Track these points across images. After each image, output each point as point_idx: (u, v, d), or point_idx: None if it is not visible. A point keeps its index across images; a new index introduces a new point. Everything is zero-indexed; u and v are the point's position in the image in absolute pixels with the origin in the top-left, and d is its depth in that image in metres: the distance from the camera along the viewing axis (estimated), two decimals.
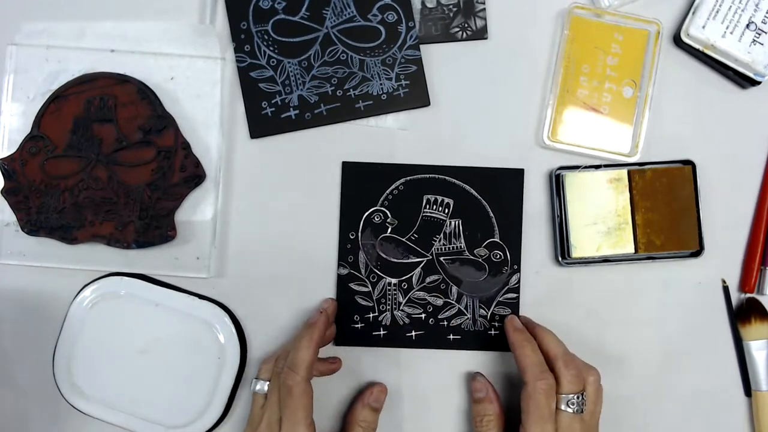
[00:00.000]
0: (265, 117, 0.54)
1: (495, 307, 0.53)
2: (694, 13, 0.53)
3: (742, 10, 0.53)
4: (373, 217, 0.53)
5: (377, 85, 0.54)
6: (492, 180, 0.54)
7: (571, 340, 0.50)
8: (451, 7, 0.55)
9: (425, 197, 0.53)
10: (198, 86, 0.54)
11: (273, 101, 0.54)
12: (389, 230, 0.53)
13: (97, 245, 0.54)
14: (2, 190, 0.53)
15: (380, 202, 0.53)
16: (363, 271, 0.53)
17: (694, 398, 0.54)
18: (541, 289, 0.54)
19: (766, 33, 0.52)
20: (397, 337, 0.54)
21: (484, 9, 0.55)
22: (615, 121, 0.54)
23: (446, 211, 0.53)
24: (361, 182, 0.54)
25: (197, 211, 0.54)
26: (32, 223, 0.53)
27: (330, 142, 0.55)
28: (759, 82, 0.53)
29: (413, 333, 0.53)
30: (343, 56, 0.54)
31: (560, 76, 0.54)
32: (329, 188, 0.54)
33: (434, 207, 0.53)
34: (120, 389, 0.53)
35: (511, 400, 0.53)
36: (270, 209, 0.55)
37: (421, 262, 0.53)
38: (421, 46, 0.55)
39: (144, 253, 0.54)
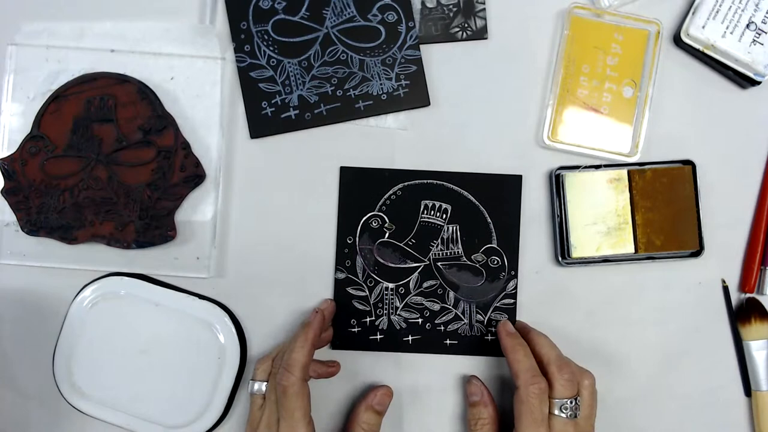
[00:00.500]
0: (265, 117, 0.54)
1: (492, 312, 0.53)
2: (694, 13, 0.53)
3: (742, 10, 0.53)
4: (371, 222, 0.53)
5: (377, 85, 0.54)
6: (490, 186, 0.54)
7: (571, 341, 0.50)
8: (451, 7, 0.55)
9: (423, 203, 0.53)
10: (198, 86, 0.54)
11: (273, 101, 0.54)
12: (387, 235, 0.53)
13: (97, 245, 0.54)
14: (2, 190, 0.53)
15: (378, 207, 0.54)
16: (360, 275, 0.53)
17: (694, 398, 0.54)
18: (541, 289, 0.54)
19: (766, 33, 0.52)
20: (393, 342, 0.54)
21: (484, 9, 0.55)
22: (615, 121, 0.54)
23: (444, 216, 0.53)
24: (359, 187, 0.54)
25: (197, 211, 0.54)
26: (32, 223, 0.53)
27: (330, 142, 0.55)
28: (759, 82, 0.53)
29: (410, 337, 0.53)
30: (343, 56, 0.54)
31: (560, 76, 0.54)
32: (329, 188, 0.54)
33: (432, 212, 0.53)
34: (120, 389, 0.53)
35: (507, 403, 0.53)
36: (270, 209, 0.55)
37: (419, 267, 0.53)
38: (421, 46, 0.55)
39: (144, 253, 0.54)
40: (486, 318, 0.53)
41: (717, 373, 0.54)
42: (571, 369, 0.47)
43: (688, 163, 0.54)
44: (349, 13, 0.54)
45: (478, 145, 0.55)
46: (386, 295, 0.53)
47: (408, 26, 0.54)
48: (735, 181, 0.55)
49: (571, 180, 0.53)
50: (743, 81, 0.54)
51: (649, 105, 0.54)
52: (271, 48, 0.54)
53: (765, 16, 0.52)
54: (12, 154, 0.53)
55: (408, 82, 0.54)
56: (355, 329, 0.53)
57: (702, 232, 0.53)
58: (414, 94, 0.54)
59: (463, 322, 0.53)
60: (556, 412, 0.45)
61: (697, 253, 0.54)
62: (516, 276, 0.53)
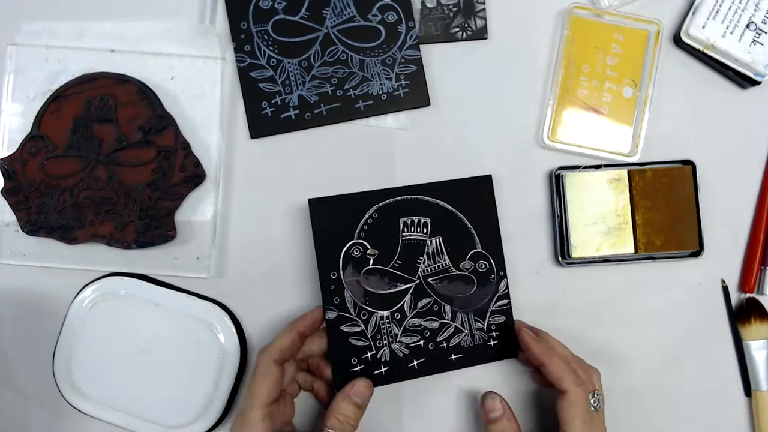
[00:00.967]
0: (265, 117, 0.54)
1: (489, 317, 0.53)
2: (694, 13, 0.53)
3: (742, 10, 0.53)
4: (352, 252, 0.51)
5: (377, 85, 0.54)
6: (462, 191, 0.53)
7: (571, 341, 0.50)
8: (451, 7, 0.55)
9: (402, 220, 0.52)
10: (198, 86, 0.54)
11: (273, 101, 0.54)
12: (371, 262, 0.52)
13: (97, 245, 0.54)
14: (2, 190, 0.53)
15: (356, 234, 0.52)
16: (352, 310, 0.51)
17: (694, 398, 0.54)
18: (541, 289, 0.54)
19: (766, 33, 0.52)
20: (399, 371, 0.52)
21: (484, 9, 0.55)
22: (615, 121, 0.54)
23: (425, 230, 0.52)
24: (332, 218, 0.51)
25: (197, 211, 0.54)
26: (32, 223, 0.53)
27: (330, 142, 0.55)
28: (759, 82, 0.53)
29: (415, 362, 0.52)
30: (343, 56, 0.54)
31: (560, 76, 0.54)
32: (329, 188, 0.54)
33: (412, 228, 0.52)
34: (120, 389, 0.53)
35: (521, 411, 0.54)
36: (270, 209, 0.55)
37: (410, 287, 0.52)
38: (421, 46, 0.55)
39: (144, 253, 0.54)
40: (485, 324, 0.53)
41: (717, 373, 0.54)
42: (586, 365, 0.48)
43: (688, 163, 0.54)
44: (349, 13, 0.54)
45: (478, 145, 0.55)
46: (383, 324, 0.52)
47: (408, 26, 0.54)
48: (735, 181, 0.55)
49: (571, 180, 0.53)
50: (743, 81, 0.54)
51: (649, 105, 0.54)
52: (271, 48, 0.54)
53: (765, 16, 0.52)
54: (12, 154, 0.53)
55: (408, 82, 0.54)
56: (358, 368, 0.51)
57: (702, 232, 0.53)
58: (414, 94, 0.54)
59: (464, 334, 0.52)
60: (591, 407, 0.46)
61: (697, 253, 0.54)
62: (505, 276, 0.53)
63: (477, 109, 0.55)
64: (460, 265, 0.52)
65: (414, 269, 0.52)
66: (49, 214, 0.53)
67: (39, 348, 0.54)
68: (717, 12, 0.53)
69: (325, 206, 0.51)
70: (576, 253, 0.53)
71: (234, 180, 0.55)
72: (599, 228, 0.53)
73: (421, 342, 0.52)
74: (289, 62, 0.54)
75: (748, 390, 0.54)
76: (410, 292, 0.52)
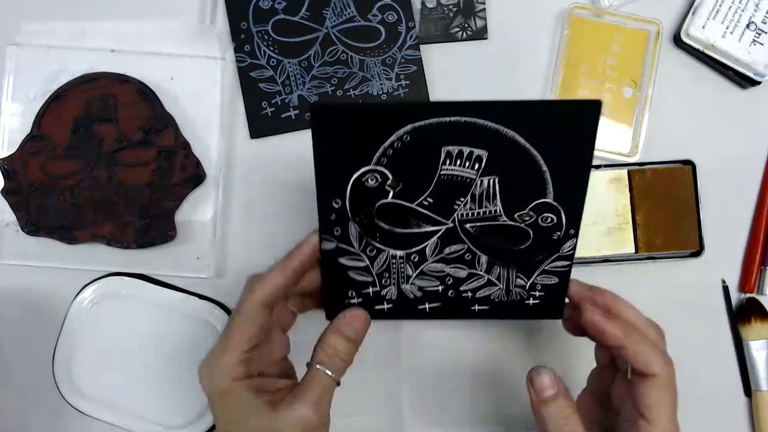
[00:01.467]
0: (265, 117, 0.54)
1: (538, 276, 0.42)
2: (694, 13, 0.53)
3: (742, 10, 0.53)
4: (366, 180, 0.39)
5: (377, 85, 0.54)
6: (549, 121, 0.38)
7: (572, 341, 0.50)
8: (451, 7, 0.55)
9: (445, 150, 0.38)
10: (198, 86, 0.54)
11: (273, 101, 0.54)
12: (390, 195, 0.39)
13: (97, 245, 0.54)
14: (2, 190, 0.53)
15: (375, 159, 0.38)
16: (356, 244, 0.41)
17: (694, 398, 0.54)
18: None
19: (766, 33, 0.52)
20: (405, 311, 0.43)
21: (484, 9, 0.55)
22: (615, 121, 0.54)
23: (476, 166, 0.39)
24: (342, 134, 0.38)
25: (197, 211, 0.54)
26: (32, 223, 0.53)
27: None
28: (759, 82, 0.53)
29: (427, 305, 0.43)
30: (343, 56, 0.54)
31: (560, 76, 0.54)
32: None
33: (458, 162, 0.38)
34: (120, 389, 0.53)
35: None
36: (270, 209, 0.55)
37: (439, 231, 0.40)
38: (421, 46, 0.55)
39: (144, 253, 0.54)
40: (529, 282, 0.42)
41: (717, 373, 0.54)
42: (656, 325, 0.42)
43: (688, 163, 0.54)
44: (349, 13, 0.54)
45: None
46: (393, 263, 0.42)
47: (408, 26, 0.54)
48: (735, 181, 0.55)
49: None
50: (743, 81, 0.54)
51: (649, 105, 0.54)
52: (271, 48, 0.54)
53: (765, 16, 0.52)
54: (12, 154, 0.53)
55: (408, 82, 0.54)
56: (355, 300, 0.42)
57: (702, 232, 0.53)
58: (414, 94, 0.54)
59: (497, 288, 0.43)
60: None
61: (697, 253, 0.53)
62: (576, 234, 0.41)
63: None
64: (516, 216, 0.40)
65: (449, 211, 0.40)
66: (49, 214, 0.53)
67: (39, 348, 0.54)
68: (717, 12, 0.53)
69: (334, 118, 0.38)
70: (576, 253, 0.53)
71: (234, 180, 0.55)
72: (599, 228, 0.53)
73: (440, 288, 0.42)
74: (289, 62, 0.54)
75: (748, 390, 0.54)
76: (438, 234, 0.41)
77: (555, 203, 0.40)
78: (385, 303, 0.43)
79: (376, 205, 0.40)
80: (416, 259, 0.41)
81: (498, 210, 0.40)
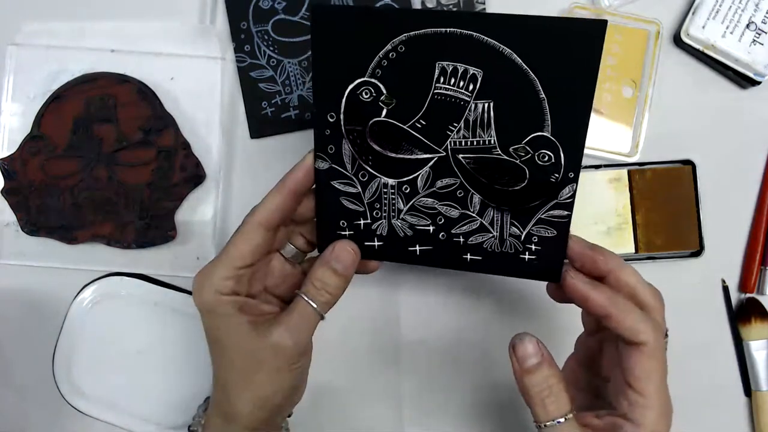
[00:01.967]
0: (265, 117, 0.54)
1: (533, 225, 0.40)
2: (694, 13, 0.53)
3: (742, 10, 0.53)
4: (360, 93, 0.38)
5: None
6: (550, 39, 0.35)
7: (572, 341, 0.50)
8: (451, 7, 0.55)
9: (439, 65, 0.37)
10: (198, 86, 0.54)
11: (273, 101, 0.54)
12: (384, 113, 0.39)
13: (97, 245, 0.54)
14: (2, 190, 0.53)
15: (370, 70, 0.38)
16: (349, 166, 0.40)
17: (694, 398, 0.54)
18: (541, 289, 0.54)
19: (766, 33, 0.52)
20: (395, 251, 0.42)
21: (484, 9, 0.55)
22: (615, 121, 0.54)
23: (471, 87, 0.37)
24: (342, 39, 0.37)
25: (197, 211, 0.54)
26: (32, 223, 0.53)
27: None
28: (759, 82, 0.53)
29: (417, 247, 0.41)
30: None
31: None
32: None
33: (452, 80, 0.37)
34: (120, 389, 0.53)
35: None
36: None
37: (431, 159, 0.39)
38: None
39: (144, 253, 0.54)
40: (524, 232, 0.40)
41: (717, 373, 0.54)
42: (654, 290, 0.40)
43: (688, 163, 0.54)
44: None
45: None
46: (385, 194, 0.41)
47: None
48: (735, 181, 0.55)
49: None
50: (743, 81, 0.54)
51: (649, 105, 0.54)
52: (271, 48, 0.54)
53: (765, 16, 0.52)
54: (12, 154, 0.53)
55: None
56: (346, 232, 0.42)
57: (702, 232, 0.53)
58: None
59: (490, 235, 0.40)
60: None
61: (697, 253, 0.54)
62: (576, 179, 0.38)
63: None
64: (511, 149, 0.38)
65: (442, 137, 0.39)
66: (49, 214, 0.53)
67: (39, 348, 0.54)
68: (717, 12, 0.53)
69: (335, 19, 0.37)
70: None
71: (234, 180, 0.55)
72: (599, 228, 0.53)
73: (431, 228, 0.41)
74: (289, 62, 0.54)
75: (748, 390, 0.54)
76: (430, 164, 0.39)
77: (553, 138, 0.38)
78: (376, 239, 0.42)
79: (369, 123, 0.39)
80: (407, 191, 0.40)
81: (492, 140, 0.38)
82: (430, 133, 0.39)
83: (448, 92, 0.38)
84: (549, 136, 0.38)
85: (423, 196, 0.40)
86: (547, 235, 0.40)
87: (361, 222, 0.41)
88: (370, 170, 0.40)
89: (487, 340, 0.54)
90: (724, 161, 0.55)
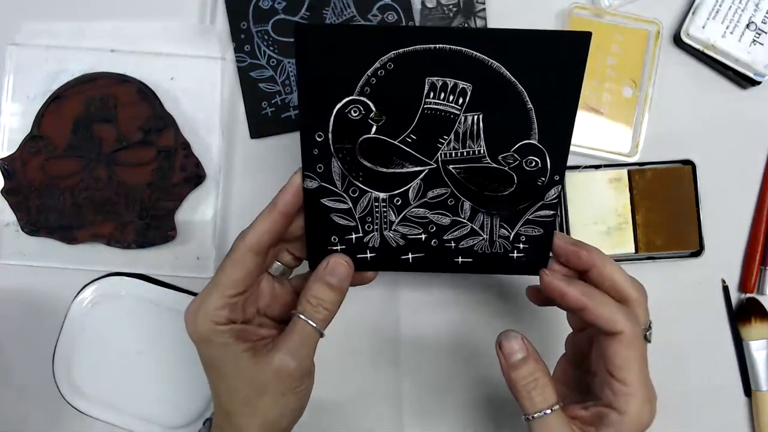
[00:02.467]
0: (265, 117, 0.54)
1: (522, 226, 0.41)
2: (694, 13, 0.53)
3: (742, 10, 0.53)
4: (349, 112, 0.38)
5: None
6: (537, 52, 0.36)
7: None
8: (451, 7, 0.55)
9: (428, 81, 0.37)
10: (198, 86, 0.54)
11: (273, 101, 0.54)
12: (373, 129, 0.38)
13: (97, 245, 0.54)
14: (2, 190, 0.53)
15: (358, 88, 0.37)
16: (339, 183, 0.40)
17: (694, 398, 0.54)
18: None
19: (766, 33, 0.52)
20: (388, 261, 0.42)
21: (484, 9, 0.55)
22: (615, 121, 0.54)
23: (460, 101, 0.37)
24: (328, 58, 0.37)
25: (197, 211, 0.54)
26: (32, 223, 0.53)
27: None
28: (759, 82, 0.53)
29: (410, 255, 0.42)
30: None
31: None
32: None
33: (442, 95, 0.37)
34: (120, 389, 0.53)
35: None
36: None
37: (422, 171, 0.39)
38: None
39: (144, 253, 0.54)
40: (513, 233, 0.41)
41: (717, 373, 0.54)
42: (638, 283, 0.41)
43: (688, 163, 0.54)
44: (348, 13, 0.54)
45: None
46: (376, 207, 0.41)
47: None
48: (735, 181, 0.55)
49: (571, 180, 0.53)
50: (743, 81, 0.54)
51: (649, 105, 0.54)
52: (271, 48, 0.54)
53: (765, 16, 0.52)
54: (12, 154, 0.53)
55: None
56: (338, 247, 0.41)
57: (702, 232, 0.53)
58: None
59: (481, 238, 0.41)
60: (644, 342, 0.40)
61: (697, 253, 0.54)
62: (561, 181, 0.40)
63: None
64: (500, 157, 0.39)
65: (433, 150, 0.39)
66: (49, 214, 0.53)
67: (39, 348, 0.54)
68: (717, 12, 0.53)
69: (320, 38, 0.36)
70: None
71: (234, 180, 0.55)
72: (599, 228, 0.53)
73: (423, 236, 0.41)
74: (289, 62, 0.54)
75: (748, 390, 0.54)
76: (421, 176, 0.40)
77: (540, 145, 0.39)
78: (368, 251, 0.42)
79: (359, 140, 0.39)
80: (399, 203, 0.41)
81: (482, 150, 0.39)
82: (421, 147, 0.39)
83: (438, 106, 0.38)
84: (536, 143, 0.39)
85: (415, 207, 0.41)
86: (534, 234, 0.41)
87: (353, 236, 0.41)
88: (361, 186, 0.40)
89: (488, 340, 0.54)
90: (724, 161, 0.55)
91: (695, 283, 0.55)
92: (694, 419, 0.54)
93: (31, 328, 0.55)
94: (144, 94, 0.53)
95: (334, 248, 0.42)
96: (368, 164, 0.39)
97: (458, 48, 0.36)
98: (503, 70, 0.37)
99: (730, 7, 0.53)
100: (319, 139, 0.39)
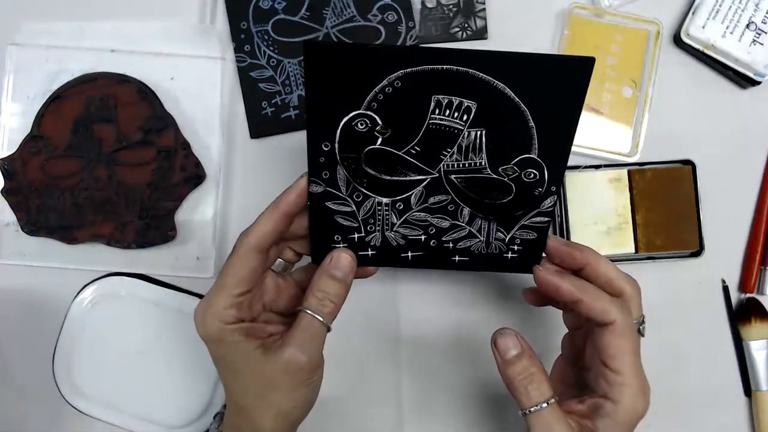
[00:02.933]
0: (265, 117, 0.54)
1: (517, 230, 0.43)
2: (694, 13, 0.53)
3: (742, 10, 0.53)
4: (356, 124, 0.39)
5: None
6: (540, 74, 0.38)
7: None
8: (451, 7, 0.55)
9: (435, 98, 0.38)
10: (198, 86, 0.54)
11: (273, 101, 0.54)
12: (379, 141, 0.40)
13: (97, 245, 0.54)
14: (2, 190, 0.53)
15: (366, 104, 0.38)
16: (344, 189, 0.41)
17: (694, 398, 0.54)
18: None
19: (766, 33, 0.52)
20: (388, 258, 0.44)
21: (484, 9, 0.55)
22: (615, 121, 0.54)
23: (465, 117, 0.39)
24: (335, 75, 0.38)
25: (197, 211, 0.54)
26: (32, 223, 0.53)
27: None
28: (759, 82, 0.53)
29: (409, 254, 0.44)
30: None
31: None
32: None
33: (447, 112, 0.39)
34: (120, 389, 0.53)
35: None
36: None
37: (425, 180, 0.41)
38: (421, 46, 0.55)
39: (144, 253, 0.54)
40: (509, 236, 0.43)
41: (717, 373, 0.54)
42: (631, 279, 0.42)
43: (688, 163, 0.54)
44: (349, 13, 0.54)
45: None
46: (379, 211, 0.42)
47: (408, 26, 0.54)
48: (735, 181, 0.55)
49: (571, 180, 0.53)
50: (743, 81, 0.54)
51: (649, 105, 0.54)
52: (271, 48, 0.54)
53: (765, 16, 0.52)
54: (12, 154, 0.53)
55: None
56: (340, 245, 0.43)
57: (702, 232, 0.53)
58: None
59: (478, 240, 0.43)
60: (636, 335, 0.41)
61: (697, 253, 0.54)
62: (557, 191, 0.42)
63: None
64: (500, 169, 0.41)
65: (435, 161, 0.40)
66: (49, 214, 0.53)
67: (39, 348, 0.54)
68: (717, 12, 0.53)
69: (328, 55, 0.37)
70: None
71: (234, 180, 0.55)
72: (599, 228, 0.53)
73: (423, 237, 0.43)
74: (289, 62, 0.54)
75: (748, 390, 0.54)
76: (423, 184, 0.41)
77: (539, 159, 0.40)
78: (369, 249, 0.43)
79: (364, 150, 0.40)
80: (401, 207, 0.42)
81: (483, 162, 0.40)
82: (424, 158, 0.40)
83: (443, 122, 0.39)
84: (536, 157, 0.40)
85: (416, 212, 0.42)
86: (528, 237, 0.43)
87: (355, 235, 0.43)
88: (365, 191, 0.42)
89: (488, 339, 0.54)
90: (724, 161, 0.55)
91: (695, 283, 0.55)
92: (693, 419, 0.54)
93: (31, 328, 0.55)
94: (144, 94, 0.53)
95: (337, 246, 0.43)
96: (372, 172, 0.41)
97: (465, 69, 0.37)
98: (508, 90, 0.38)
99: (730, 7, 0.53)
100: (325, 149, 0.40)
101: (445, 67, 0.37)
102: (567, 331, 0.47)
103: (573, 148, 0.53)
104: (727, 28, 0.53)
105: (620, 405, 0.39)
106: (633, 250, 0.53)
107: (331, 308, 0.41)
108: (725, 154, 0.55)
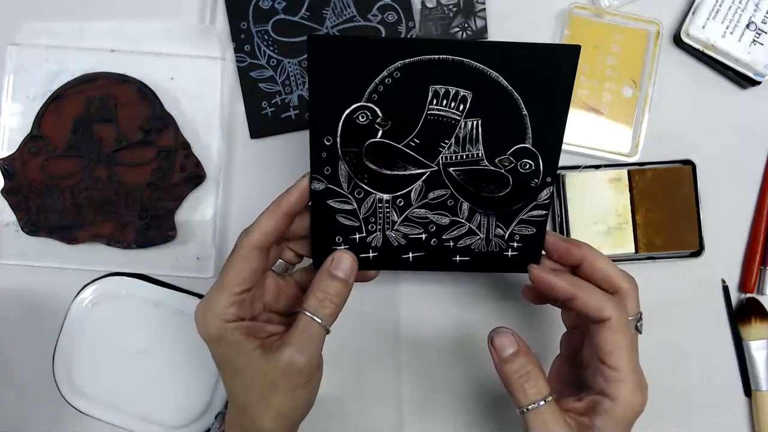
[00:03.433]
0: (265, 117, 0.54)
1: (516, 225, 0.43)
2: (694, 13, 0.53)
3: (742, 10, 0.53)
4: (357, 117, 0.40)
5: None
6: (531, 63, 0.39)
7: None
8: (451, 7, 0.55)
9: (432, 88, 0.40)
10: (198, 86, 0.54)
11: (273, 101, 0.54)
12: (380, 134, 0.41)
13: (97, 245, 0.54)
14: (2, 190, 0.53)
15: (366, 95, 0.40)
16: (345, 185, 0.42)
17: (694, 398, 0.54)
18: None
19: (766, 33, 0.52)
20: (389, 260, 0.44)
21: (484, 9, 0.55)
22: (615, 121, 0.54)
23: (461, 107, 0.40)
24: (338, 67, 0.39)
25: (197, 211, 0.54)
26: (32, 223, 0.53)
27: None
28: (759, 82, 0.53)
29: (410, 255, 0.44)
30: None
31: None
32: None
33: (444, 102, 0.40)
34: (120, 389, 0.53)
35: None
36: None
37: (423, 174, 0.42)
38: None
39: (144, 253, 0.54)
40: (507, 232, 0.44)
41: (717, 373, 0.54)
42: (628, 275, 0.43)
43: (688, 163, 0.54)
44: (349, 13, 0.54)
45: None
46: (380, 208, 0.43)
47: (408, 26, 0.54)
48: (735, 181, 0.55)
49: (571, 180, 0.53)
50: (743, 81, 0.54)
51: (649, 105, 0.54)
52: (271, 48, 0.54)
53: (765, 16, 0.52)
54: (12, 154, 0.53)
55: None
56: (342, 246, 0.43)
57: (702, 232, 0.53)
58: None
59: (478, 237, 0.44)
60: (634, 331, 0.41)
61: (697, 253, 0.54)
62: (553, 183, 0.42)
63: None
64: (497, 160, 0.41)
65: (434, 153, 0.41)
66: (49, 214, 0.53)
67: (39, 348, 0.54)
68: (717, 12, 0.53)
69: (331, 48, 0.39)
70: None
71: (234, 180, 0.55)
72: (599, 228, 0.53)
73: (423, 236, 0.43)
74: (289, 62, 0.54)
75: (748, 390, 0.54)
76: (422, 178, 0.42)
77: (533, 149, 0.41)
78: (371, 251, 0.44)
79: (365, 143, 0.41)
80: (401, 204, 0.43)
81: (480, 153, 0.41)
82: (423, 150, 0.41)
83: (441, 112, 0.40)
84: (530, 147, 0.41)
85: (416, 208, 0.43)
86: (527, 233, 0.44)
87: (357, 236, 0.43)
88: (366, 187, 0.42)
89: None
90: (724, 161, 0.55)
91: (695, 283, 0.55)
92: (693, 419, 0.54)
93: (31, 328, 0.55)
94: (144, 94, 0.53)
95: (338, 247, 0.43)
96: (373, 167, 0.41)
97: (460, 59, 0.39)
98: (501, 79, 0.39)
99: (730, 7, 0.53)
100: (327, 143, 0.41)
101: (441, 56, 0.39)
102: (565, 330, 0.47)
103: (573, 148, 0.54)
104: (727, 28, 0.53)
105: (617, 401, 0.39)
106: (633, 250, 0.53)
107: (332, 309, 0.41)
108: (725, 154, 0.55)
